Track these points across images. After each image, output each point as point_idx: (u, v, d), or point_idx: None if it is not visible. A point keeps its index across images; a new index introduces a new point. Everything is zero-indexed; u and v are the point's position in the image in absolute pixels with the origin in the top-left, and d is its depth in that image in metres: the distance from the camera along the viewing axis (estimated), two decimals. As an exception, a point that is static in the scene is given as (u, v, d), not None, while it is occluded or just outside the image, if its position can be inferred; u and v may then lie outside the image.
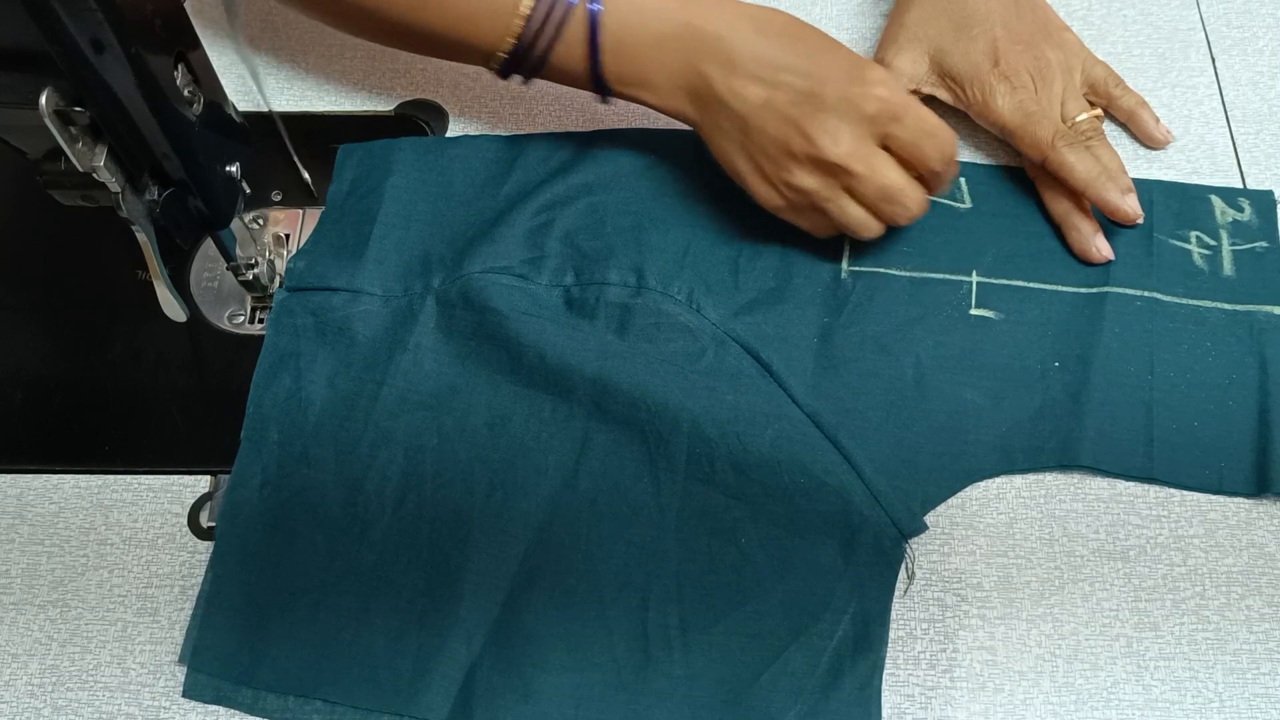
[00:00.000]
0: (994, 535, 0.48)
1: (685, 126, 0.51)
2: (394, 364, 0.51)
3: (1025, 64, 0.53)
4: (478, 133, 0.59)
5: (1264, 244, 0.53)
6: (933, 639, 0.46)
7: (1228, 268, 0.53)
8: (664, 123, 0.54)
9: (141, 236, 0.43)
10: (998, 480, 0.49)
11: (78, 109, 0.38)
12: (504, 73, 0.51)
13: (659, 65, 0.48)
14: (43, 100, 0.36)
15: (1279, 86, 0.59)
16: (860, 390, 0.50)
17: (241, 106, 0.47)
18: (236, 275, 0.52)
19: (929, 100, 0.57)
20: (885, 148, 0.47)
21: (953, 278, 0.53)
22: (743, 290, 0.52)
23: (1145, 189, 0.54)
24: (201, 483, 0.51)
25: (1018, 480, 0.49)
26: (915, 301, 0.52)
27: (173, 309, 0.47)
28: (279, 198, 0.57)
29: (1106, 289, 0.52)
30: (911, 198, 0.48)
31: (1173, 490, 0.48)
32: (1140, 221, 0.52)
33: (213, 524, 0.49)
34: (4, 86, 0.37)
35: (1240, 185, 0.56)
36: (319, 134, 0.58)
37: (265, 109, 0.47)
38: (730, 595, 0.46)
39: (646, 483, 0.48)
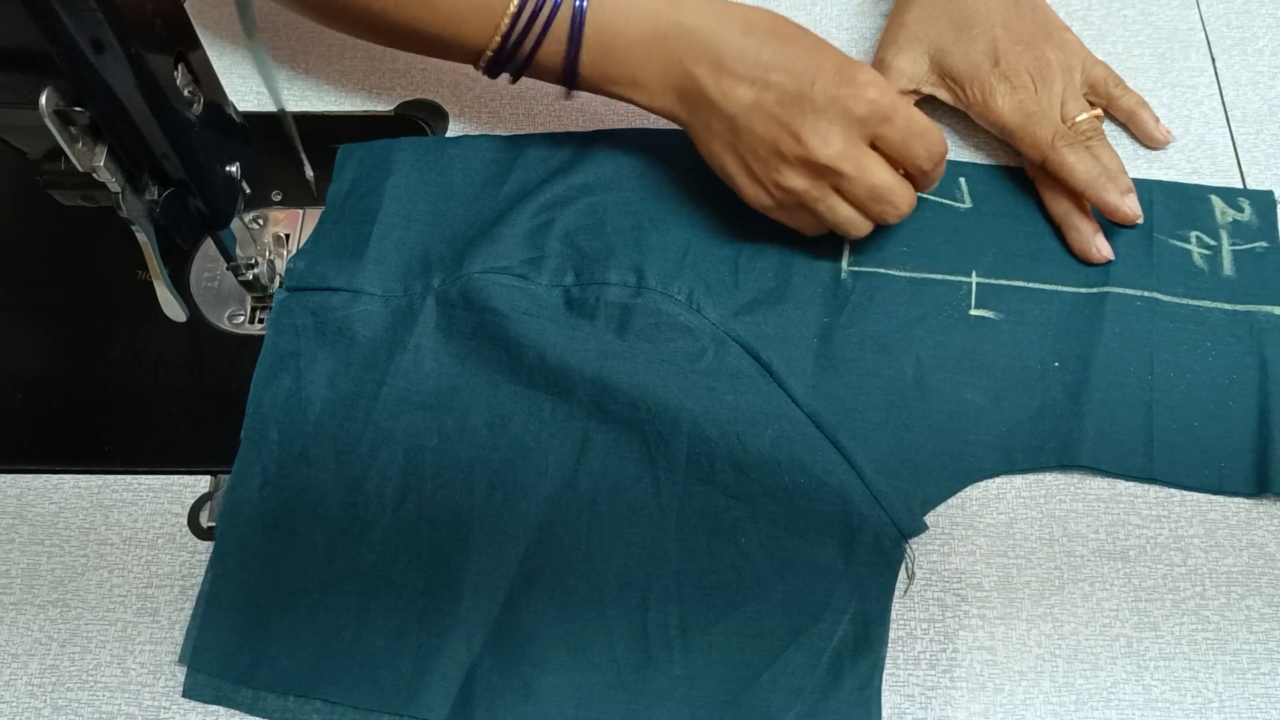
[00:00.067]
0: (994, 535, 0.48)
1: (681, 127, 0.51)
2: (394, 364, 0.51)
3: (1025, 64, 0.53)
4: (478, 133, 0.59)
5: (1264, 244, 0.53)
6: (933, 639, 0.46)
7: (1228, 268, 0.53)
8: (663, 123, 0.54)
9: (141, 236, 0.43)
10: (998, 480, 0.49)
11: (78, 109, 0.38)
12: (492, 71, 0.51)
13: (647, 65, 0.48)
14: (43, 100, 0.36)
15: (1279, 86, 0.59)
16: (860, 390, 0.50)
17: (242, 106, 0.47)
18: (236, 275, 0.52)
19: (929, 100, 0.57)
20: (874, 147, 0.47)
21: (952, 278, 0.53)
22: (743, 290, 0.52)
23: (1145, 189, 0.54)
24: (201, 483, 0.51)
25: (1018, 480, 0.49)
26: (915, 301, 0.52)
27: (173, 309, 0.47)
28: (279, 198, 0.57)
29: (1106, 289, 0.52)
30: (901, 197, 0.48)
31: (1173, 490, 0.48)
32: (1140, 222, 0.52)
33: (213, 524, 0.49)
34: (4, 86, 0.37)
35: (1240, 185, 0.56)
36: (319, 134, 0.58)
37: (277, 109, 0.47)
38: (730, 595, 0.46)
39: (646, 483, 0.48)
